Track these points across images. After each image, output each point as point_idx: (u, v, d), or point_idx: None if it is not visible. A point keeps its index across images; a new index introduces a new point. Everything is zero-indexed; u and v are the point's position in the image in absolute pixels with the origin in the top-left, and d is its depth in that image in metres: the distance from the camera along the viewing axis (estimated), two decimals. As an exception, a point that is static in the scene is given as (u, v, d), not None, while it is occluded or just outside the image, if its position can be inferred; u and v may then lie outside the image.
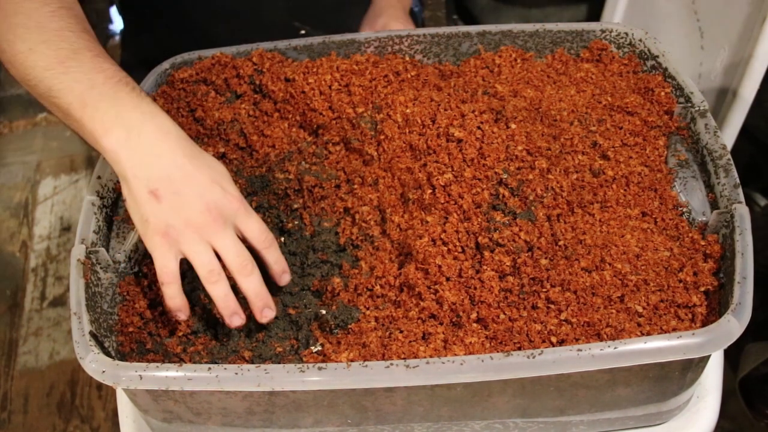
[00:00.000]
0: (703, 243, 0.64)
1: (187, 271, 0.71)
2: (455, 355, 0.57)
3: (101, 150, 0.62)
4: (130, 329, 0.65)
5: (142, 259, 0.71)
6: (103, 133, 0.60)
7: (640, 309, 0.59)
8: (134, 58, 1.07)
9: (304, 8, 1.01)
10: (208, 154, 0.64)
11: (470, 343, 0.59)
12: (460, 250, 0.66)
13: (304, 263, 0.71)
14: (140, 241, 0.72)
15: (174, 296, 0.64)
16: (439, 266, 0.64)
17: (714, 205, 0.66)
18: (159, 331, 0.66)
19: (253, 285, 0.63)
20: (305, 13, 1.02)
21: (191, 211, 0.61)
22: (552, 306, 0.60)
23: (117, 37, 1.87)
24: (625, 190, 0.68)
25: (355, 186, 0.74)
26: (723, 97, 0.96)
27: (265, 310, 0.65)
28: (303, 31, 1.01)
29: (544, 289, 0.61)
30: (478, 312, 0.62)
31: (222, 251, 0.62)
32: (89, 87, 0.61)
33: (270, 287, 0.70)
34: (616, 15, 1.23)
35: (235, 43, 0.85)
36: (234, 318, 0.64)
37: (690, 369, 0.59)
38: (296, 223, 0.72)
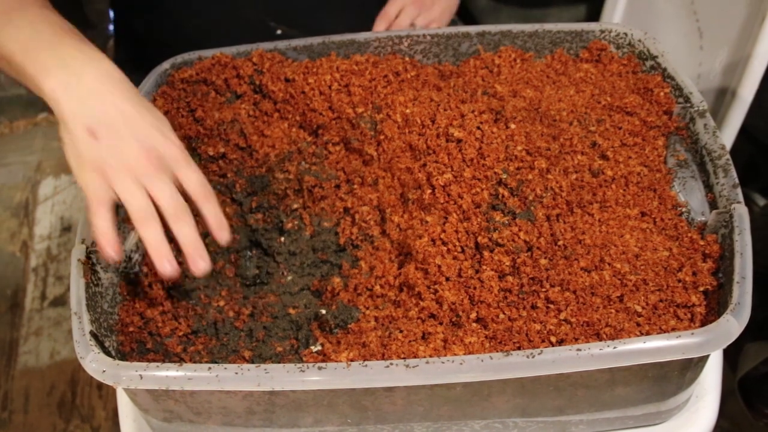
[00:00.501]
0: (702, 243, 0.64)
1: (187, 270, 0.71)
2: (455, 354, 0.57)
3: (42, 93, 0.61)
4: (131, 329, 0.65)
5: (142, 259, 0.71)
6: (44, 76, 0.60)
7: (639, 309, 0.59)
8: (125, 55, 1.08)
9: (282, 9, 1.01)
10: (150, 103, 0.63)
11: (470, 342, 0.59)
12: (459, 250, 0.66)
13: (304, 263, 0.71)
14: (140, 241, 0.72)
15: (103, 224, 0.60)
16: (439, 266, 0.64)
17: (713, 205, 0.66)
18: (159, 330, 0.66)
19: (186, 232, 0.61)
20: (282, 14, 1.01)
21: (129, 152, 0.59)
22: (551, 306, 0.61)
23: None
24: (624, 190, 0.68)
25: (355, 186, 0.74)
26: (722, 97, 0.96)
27: (199, 261, 0.62)
28: (279, 31, 1.01)
29: (543, 289, 0.62)
30: (477, 312, 0.62)
31: (157, 195, 0.60)
32: (33, 35, 0.61)
33: (269, 287, 0.70)
34: (615, 15, 1.23)
35: (209, 43, 0.84)
36: (165, 263, 0.60)
37: (689, 369, 0.59)
38: (296, 223, 0.73)
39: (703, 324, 0.58)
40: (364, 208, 0.72)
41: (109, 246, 0.60)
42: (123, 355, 0.64)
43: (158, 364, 0.55)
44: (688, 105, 0.74)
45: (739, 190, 0.64)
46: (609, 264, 0.62)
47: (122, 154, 0.59)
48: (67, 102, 0.60)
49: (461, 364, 0.53)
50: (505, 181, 0.68)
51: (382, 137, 0.75)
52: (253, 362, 0.62)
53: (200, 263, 0.62)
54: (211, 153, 0.78)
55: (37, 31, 0.61)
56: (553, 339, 0.58)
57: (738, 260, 0.58)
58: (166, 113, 0.80)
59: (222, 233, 0.65)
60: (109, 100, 0.60)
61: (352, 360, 0.58)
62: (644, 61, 0.81)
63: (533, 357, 0.53)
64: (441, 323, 0.62)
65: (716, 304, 0.60)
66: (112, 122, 0.59)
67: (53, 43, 0.61)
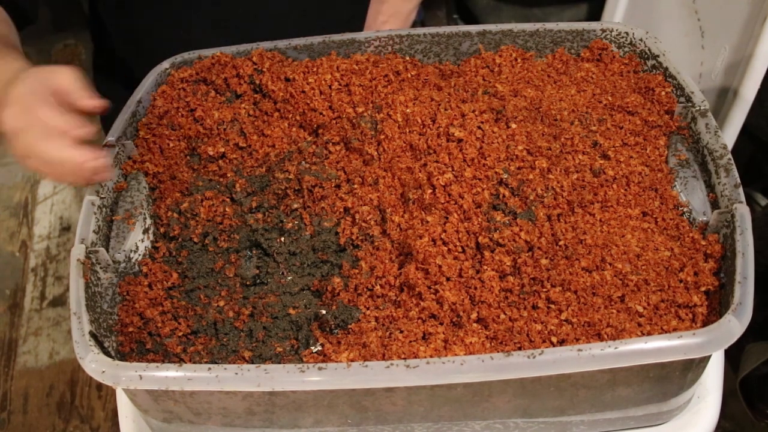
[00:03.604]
0: (703, 243, 0.64)
1: (187, 270, 0.71)
2: (455, 355, 0.57)
3: None
4: (130, 329, 0.65)
5: (142, 259, 0.71)
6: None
7: (640, 309, 0.59)
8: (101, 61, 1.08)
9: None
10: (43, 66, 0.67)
11: (470, 343, 0.58)
12: (460, 250, 0.66)
13: (304, 263, 0.71)
14: (140, 241, 0.72)
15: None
16: (440, 266, 0.64)
17: (715, 204, 0.66)
18: (159, 331, 0.66)
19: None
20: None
21: (22, 112, 0.64)
22: (552, 306, 0.60)
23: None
24: (625, 189, 0.68)
25: (355, 186, 0.74)
26: (724, 97, 0.96)
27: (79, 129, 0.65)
28: None
29: (544, 289, 0.61)
30: (478, 312, 0.61)
31: (49, 122, 0.63)
32: None
33: (269, 287, 0.70)
34: (616, 14, 1.22)
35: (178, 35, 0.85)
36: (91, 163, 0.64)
37: (690, 369, 0.59)
38: (296, 223, 0.72)
39: (704, 324, 0.58)
40: (365, 208, 0.72)
41: (97, 173, 0.65)
42: (122, 356, 0.64)
43: (158, 364, 0.55)
44: (690, 104, 0.74)
45: (740, 190, 0.64)
46: (610, 264, 0.62)
47: (20, 118, 0.64)
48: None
49: (462, 364, 0.53)
50: (506, 180, 0.68)
51: (382, 137, 0.75)
52: (253, 362, 0.62)
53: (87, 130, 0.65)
54: (211, 153, 0.78)
55: None
56: (554, 339, 0.58)
57: (740, 260, 0.57)
58: (165, 113, 0.80)
59: (92, 101, 0.67)
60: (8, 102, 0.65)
61: (352, 360, 0.58)
62: (645, 60, 0.81)
63: (534, 357, 0.53)
64: (442, 323, 0.62)
65: (718, 304, 0.60)
66: (8, 103, 0.65)
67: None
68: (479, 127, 0.71)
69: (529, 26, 0.84)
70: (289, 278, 0.71)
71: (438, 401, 0.59)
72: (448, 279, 0.64)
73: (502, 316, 0.60)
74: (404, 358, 0.57)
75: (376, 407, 0.59)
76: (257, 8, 0.94)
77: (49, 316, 1.64)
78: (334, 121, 0.79)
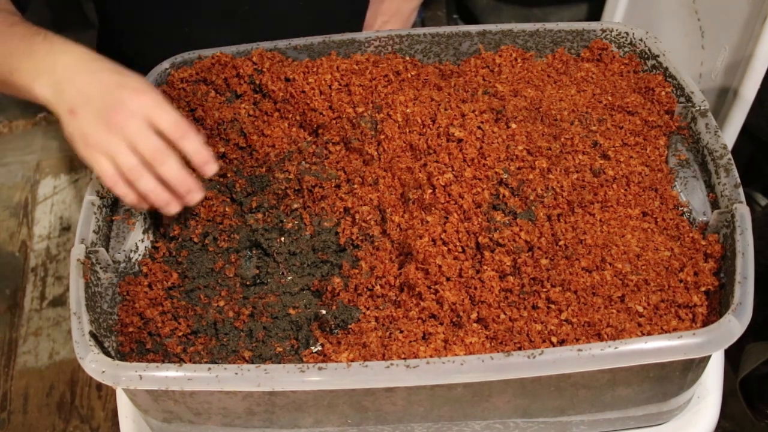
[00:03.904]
0: (703, 243, 0.64)
1: (187, 270, 0.71)
2: (455, 355, 0.57)
3: (37, 100, 0.68)
4: (130, 329, 0.65)
5: (142, 259, 0.71)
6: (31, 87, 0.67)
7: (640, 309, 0.59)
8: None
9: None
10: (123, 68, 0.67)
11: (470, 343, 0.58)
12: (460, 250, 0.66)
13: (304, 263, 0.71)
14: (140, 241, 0.72)
15: (126, 194, 0.66)
16: (440, 266, 0.64)
17: (715, 204, 0.66)
18: (159, 331, 0.66)
19: (170, 171, 0.66)
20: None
21: (100, 114, 0.64)
22: (552, 306, 0.60)
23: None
24: (625, 189, 0.68)
25: (355, 186, 0.74)
26: (724, 97, 0.96)
27: (191, 193, 0.68)
28: None
29: (544, 289, 0.61)
30: (478, 312, 0.61)
31: (133, 144, 0.64)
32: (9, 55, 0.68)
33: (269, 287, 0.70)
34: (616, 14, 1.22)
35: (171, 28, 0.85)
36: (168, 207, 0.67)
37: (691, 369, 0.59)
38: (296, 223, 0.72)
39: (704, 324, 0.58)
40: (365, 208, 0.72)
41: (138, 203, 0.67)
42: (122, 356, 0.64)
43: (158, 364, 0.55)
44: (690, 104, 0.74)
45: (740, 190, 0.64)
46: (610, 264, 0.62)
47: (98, 119, 0.64)
48: (53, 99, 0.66)
49: (462, 364, 0.53)
50: (506, 180, 0.68)
51: (382, 137, 0.75)
52: (253, 362, 0.62)
53: (194, 196, 0.68)
54: (211, 153, 0.78)
55: (12, 51, 0.68)
56: (554, 339, 0.58)
57: (740, 260, 0.57)
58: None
59: (208, 167, 0.68)
60: (79, 79, 0.65)
61: (352, 360, 0.58)
62: (645, 60, 0.81)
63: (534, 357, 0.53)
64: (442, 323, 0.62)
65: (718, 304, 0.60)
66: (83, 95, 0.65)
67: (27, 54, 0.67)
68: (479, 127, 0.71)
69: (529, 26, 0.84)
70: (289, 278, 0.71)
71: (438, 401, 0.59)
72: (448, 279, 0.64)
73: (502, 316, 0.60)
74: (404, 358, 0.57)
75: (376, 407, 0.59)
76: (260, 6, 0.94)
77: (49, 316, 1.64)
78: (334, 121, 0.79)
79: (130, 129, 0.64)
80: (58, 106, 0.66)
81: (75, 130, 0.65)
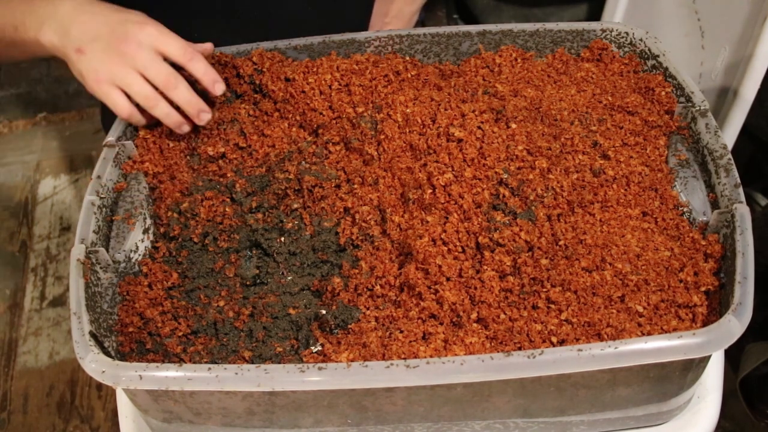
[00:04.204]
0: (703, 243, 0.64)
1: (187, 270, 0.71)
2: (455, 355, 0.57)
3: (46, 51, 0.71)
4: (130, 329, 0.65)
5: (142, 259, 0.71)
6: (37, 38, 0.70)
7: (640, 309, 0.59)
8: None
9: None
10: (124, 9, 0.72)
11: (470, 343, 0.58)
12: (460, 250, 0.66)
13: (304, 263, 0.71)
14: (140, 241, 0.72)
15: (140, 122, 0.73)
16: (440, 266, 0.64)
17: (715, 204, 0.66)
18: (159, 331, 0.66)
19: (182, 95, 0.71)
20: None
21: (109, 48, 0.68)
22: (552, 306, 0.60)
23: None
24: (625, 189, 0.68)
25: (355, 186, 0.74)
26: (724, 97, 0.96)
27: (201, 114, 0.73)
28: None
29: (544, 289, 0.61)
30: (478, 312, 0.61)
31: (144, 72, 0.69)
32: (11, 14, 0.71)
33: (269, 287, 0.70)
34: (616, 14, 1.22)
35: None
36: (182, 126, 0.74)
37: (691, 369, 0.59)
38: (296, 223, 0.72)
39: (704, 324, 0.58)
40: (365, 208, 0.72)
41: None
42: (122, 356, 0.64)
43: (158, 364, 0.55)
44: (690, 104, 0.74)
45: (740, 190, 0.64)
46: (610, 264, 0.62)
47: (107, 54, 0.68)
48: (59, 42, 0.69)
49: (462, 364, 0.53)
50: (506, 180, 0.68)
51: (382, 137, 0.75)
52: (253, 362, 0.62)
53: (204, 116, 0.74)
54: (211, 153, 0.78)
55: (11, 8, 0.71)
56: (554, 339, 0.58)
57: (740, 260, 0.57)
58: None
59: (216, 86, 0.74)
60: (83, 19, 0.69)
61: (352, 360, 0.58)
62: (645, 60, 0.81)
63: (534, 357, 0.53)
64: (442, 323, 0.62)
65: (718, 304, 0.60)
66: (89, 33, 0.69)
67: (28, 8, 0.70)
68: (479, 127, 0.71)
69: (529, 26, 0.84)
70: (289, 278, 0.71)
71: (438, 401, 0.59)
72: (448, 279, 0.64)
73: (502, 316, 0.60)
74: (404, 358, 0.56)
75: (376, 407, 0.59)
76: (265, 9, 0.94)
77: (49, 316, 1.64)
78: (334, 121, 0.79)
79: (140, 58, 0.68)
80: (65, 47, 0.69)
81: (84, 67, 0.68)
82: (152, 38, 0.69)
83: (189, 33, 0.92)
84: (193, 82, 0.75)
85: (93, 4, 0.71)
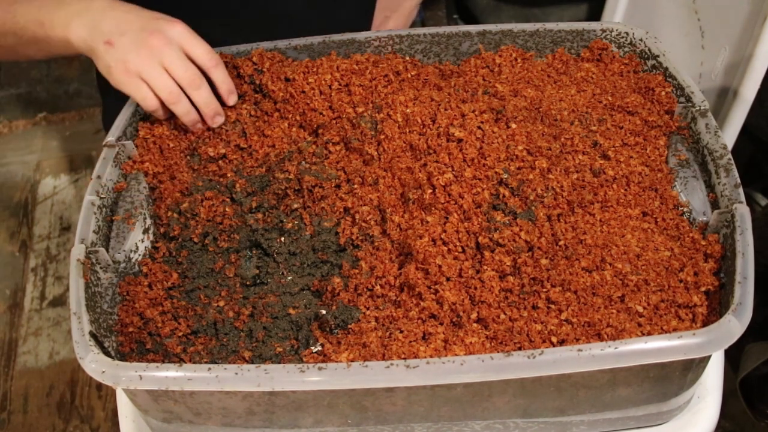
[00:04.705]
0: (703, 243, 0.64)
1: (187, 270, 0.71)
2: (455, 355, 0.57)
3: (72, 48, 0.73)
4: (130, 329, 0.65)
5: (142, 259, 0.71)
6: (66, 34, 0.72)
7: (640, 309, 0.59)
8: None
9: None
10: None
11: (470, 343, 0.58)
12: (460, 250, 0.66)
13: (304, 263, 0.71)
14: (140, 241, 0.72)
15: (162, 116, 0.75)
16: (440, 266, 0.64)
17: (715, 204, 0.66)
18: (159, 331, 0.66)
19: (203, 96, 0.74)
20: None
21: (139, 41, 0.70)
22: (552, 306, 0.60)
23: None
24: (625, 189, 0.68)
25: (355, 186, 0.74)
26: (724, 97, 0.96)
27: (216, 116, 0.76)
28: None
29: (544, 289, 0.61)
30: (478, 312, 0.61)
31: (170, 69, 0.71)
32: (37, 10, 0.73)
33: (269, 287, 0.70)
34: (616, 14, 1.22)
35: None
36: (198, 126, 0.76)
37: (691, 369, 0.59)
38: (296, 223, 0.72)
39: (704, 324, 0.58)
40: (365, 208, 0.72)
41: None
42: (122, 356, 0.64)
43: (158, 364, 0.55)
44: (690, 104, 0.74)
45: (740, 190, 0.64)
46: (610, 264, 0.62)
47: (134, 45, 0.70)
48: (88, 36, 0.71)
49: (462, 364, 0.53)
50: (506, 180, 0.68)
51: (382, 137, 0.75)
52: (253, 363, 0.62)
53: (218, 119, 0.77)
54: (212, 154, 0.78)
55: (37, 5, 0.73)
56: (554, 339, 0.58)
57: (740, 260, 0.57)
58: None
59: (231, 96, 0.78)
60: (113, 15, 0.71)
61: (352, 360, 0.58)
62: (645, 60, 0.81)
63: (534, 357, 0.53)
64: (441, 323, 0.62)
65: (718, 304, 0.60)
66: (119, 27, 0.70)
67: (57, 4, 0.72)
68: (479, 127, 0.71)
69: (529, 26, 0.84)
70: (289, 278, 0.71)
71: (438, 401, 0.59)
72: (448, 279, 0.64)
73: (502, 316, 0.60)
74: (404, 358, 0.56)
75: (376, 407, 0.59)
76: (267, 8, 0.94)
77: (49, 316, 1.64)
78: (334, 121, 0.79)
79: (167, 54, 0.70)
80: (94, 41, 0.70)
81: (113, 58, 0.70)
82: (181, 37, 0.72)
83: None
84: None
85: (125, 3, 0.73)
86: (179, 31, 0.72)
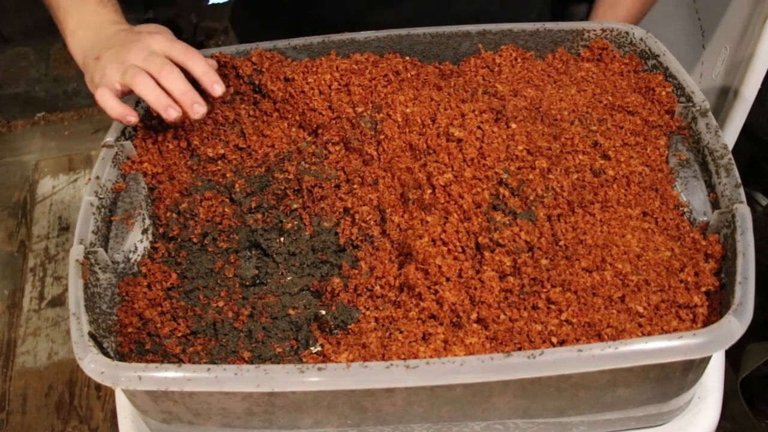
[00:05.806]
0: (704, 243, 0.64)
1: (186, 270, 0.71)
2: (455, 355, 0.57)
3: (71, 52, 0.78)
4: (129, 330, 0.65)
5: (141, 260, 0.71)
6: (67, 37, 0.78)
7: (641, 309, 0.59)
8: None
9: None
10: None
11: (470, 343, 0.58)
12: (460, 250, 0.65)
13: (304, 263, 0.71)
14: (139, 241, 0.71)
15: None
16: (439, 266, 0.63)
17: (715, 204, 0.66)
18: (158, 331, 0.65)
19: (176, 84, 0.71)
20: None
21: (120, 50, 0.73)
22: (552, 306, 0.60)
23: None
24: (625, 189, 0.68)
25: (355, 186, 0.74)
26: (724, 97, 0.96)
27: (195, 105, 0.71)
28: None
29: (544, 290, 0.61)
30: (478, 312, 0.61)
31: (143, 64, 0.71)
32: (57, 8, 0.78)
33: (268, 288, 0.70)
34: (616, 14, 1.22)
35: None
36: (169, 111, 0.71)
37: (691, 369, 0.59)
38: (296, 223, 0.72)
39: (705, 325, 0.58)
40: (364, 208, 0.72)
41: (121, 116, 0.72)
42: (122, 356, 0.64)
43: (157, 365, 0.55)
44: (690, 104, 0.74)
45: (741, 190, 0.64)
46: (610, 264, 0.62)
47: (117, 55, 0.72)
48: (81, 54, 0.76)
49: (462, 364, 0.53)
50: (505, 180, 0.68)
51: (382, 137, 0.75)
52: (252, 363, 0.62)
53: (198, 108, 0.72)
54: (211, 154, 0.78)
55: (58, 3, 0.78)
56: (554, 340, 0.58)
57: (740, 260, 0.57)
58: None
59: (215, 86, 0.73)
60: (104, 33, 0.76)
61: (352, 361, 0.58)
62: (646, 60, 0.81)
63: (534, 358, 0.53)
64: (441, 324, 0.61)
65: (718, 304, 0.60)
66: (107, 44, 0.74)
67: (77, 7, 0.78)
68: (479, 127, 0.71)
69: (529, 26, 0.84)
70: (289, 278, 0.71)
71: (438, 402, 0.58)
72: (447, 279, 0.63)
73: (502, 316, 0.60)
74: (404, 359, 0.56)
75: (375, 408, 0.59)
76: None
77: (47, 316, 1.64)
78: (333, 121, 0.79)
79: (142, 52, 0.71)
80: (86, 58, 0.74)
81: (98, 72, 0.73)
82: (160, 44, 0.72)
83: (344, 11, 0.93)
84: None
85: (116, 24, 0.77)
86: (159, 40, 0.73)
